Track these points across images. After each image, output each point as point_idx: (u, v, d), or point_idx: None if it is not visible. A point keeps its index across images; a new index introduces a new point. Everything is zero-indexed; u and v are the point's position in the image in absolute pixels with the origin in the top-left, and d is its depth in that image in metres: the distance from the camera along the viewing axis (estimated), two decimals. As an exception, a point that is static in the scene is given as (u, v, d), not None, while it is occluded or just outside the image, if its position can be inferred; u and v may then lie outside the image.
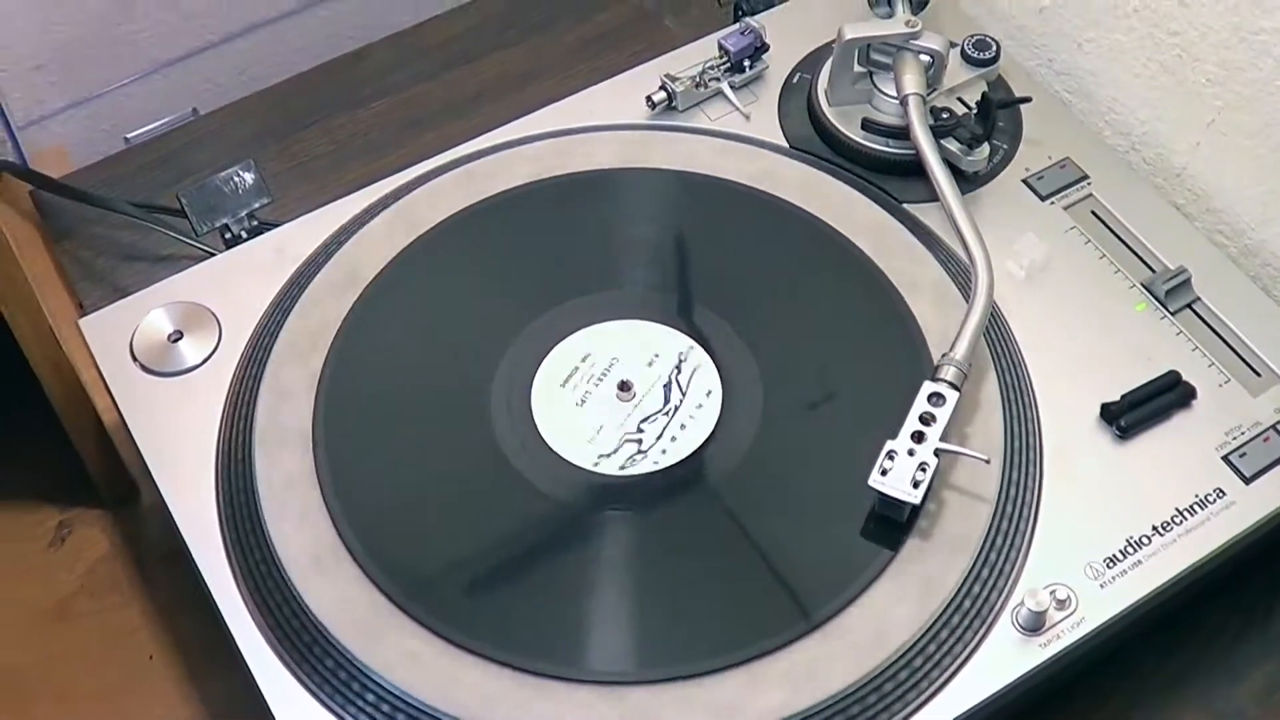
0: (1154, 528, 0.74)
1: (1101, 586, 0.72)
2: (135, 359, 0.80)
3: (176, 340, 0.80)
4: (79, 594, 0.85)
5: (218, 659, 0.82)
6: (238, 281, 0.82)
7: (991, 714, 0.71)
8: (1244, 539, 0.74)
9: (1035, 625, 0.71)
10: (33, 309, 0.75)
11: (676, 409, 0.77)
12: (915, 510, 0.73)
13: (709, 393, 0.77)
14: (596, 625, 0.71)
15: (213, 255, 0.85)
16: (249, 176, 0.84)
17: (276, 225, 0.85)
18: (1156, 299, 0.81)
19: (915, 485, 0.71)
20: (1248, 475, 0.75)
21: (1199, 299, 0.81)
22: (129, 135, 1.02)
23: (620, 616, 0.71)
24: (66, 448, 0.88)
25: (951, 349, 0.75)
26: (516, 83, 1.02)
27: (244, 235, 0.84)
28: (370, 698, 0.68)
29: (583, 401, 0.77)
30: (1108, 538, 0.73)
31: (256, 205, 0.84)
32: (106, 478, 0.86)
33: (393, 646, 0.69)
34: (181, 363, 0.79)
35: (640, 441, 0.76)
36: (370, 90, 1.01)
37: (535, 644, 0.69)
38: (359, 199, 0.84)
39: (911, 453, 0.72)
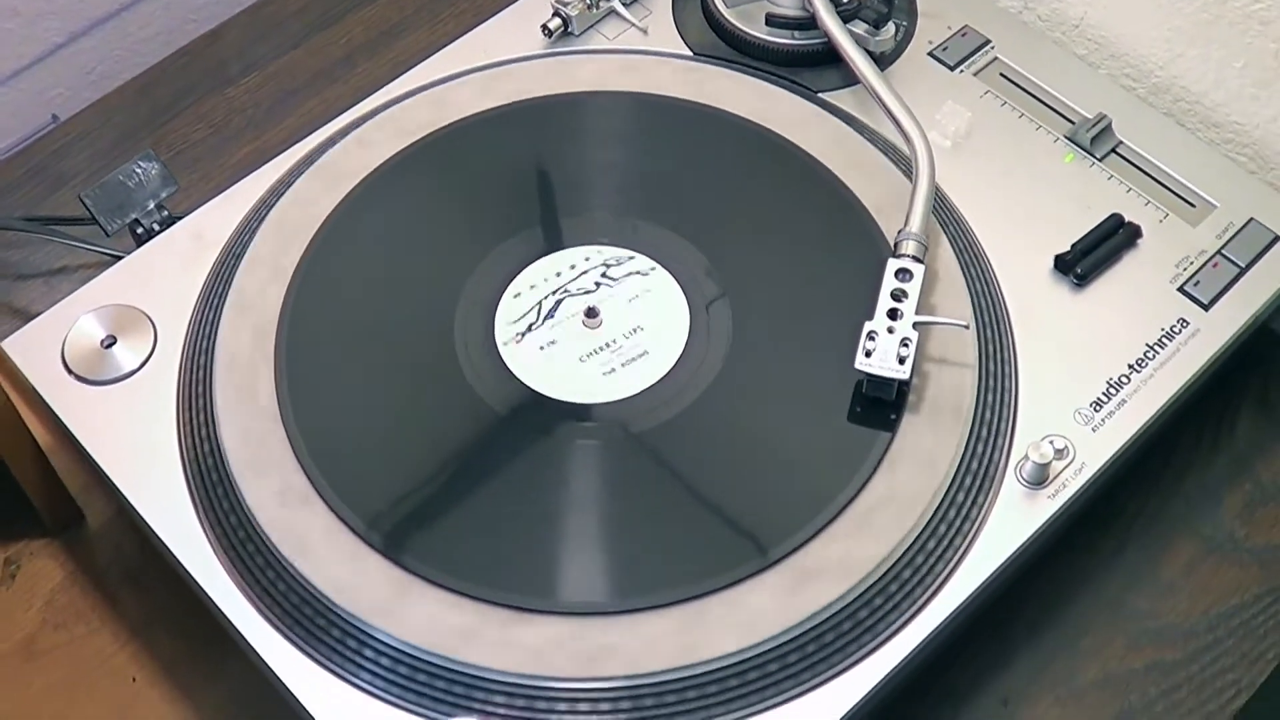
0: (1129, 366, 0.75)
1: (1094, 430, 0.73)
2: (71, 372, 0.76)
3: (110, 345, 0.76)
4: (43, 629, 0.81)
5: (203, 668, 0.79)
6: (161, 275, 0.78)
7: (1010, 575, 0.72)
8: (1215, 362, 0.76)
9: (1040, 478, 0.72)
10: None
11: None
12: (903, 388, 0.73)
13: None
14: (580, 553, 0.70)
15: (119, 258, 0.81)
16: (151, 166, 0.80)
17: (184, 216, 0.81)
18: (1082, 148, 0.82)
19: (901, 361, 0.71)
20: (1205, 302, 0.77)
21: (1122, 142, 0.82)
22: (-11, 153, 0.97)
23: (613, 541, 0.70)
24: (-4, 483, 0.84)
25: (906, 224, 0.75)
26: (386, 39, 0.99)
27: (156, 228, 0.80)
28: (369, 653, 0.67)
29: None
30: (1089, 383, 0.75)
31: (165, 194, 0.80)
32: (49, 505, 0.82)
33: (372, 588, 0.68)
34: (120, 368, 0.76)
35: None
36: (236, 68, 0.98)
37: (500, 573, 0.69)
38: (270, 170, 0.81)
39: (891, 330, 0.72)
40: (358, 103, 0.84)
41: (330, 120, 0.84)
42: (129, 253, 0.80)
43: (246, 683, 0.78)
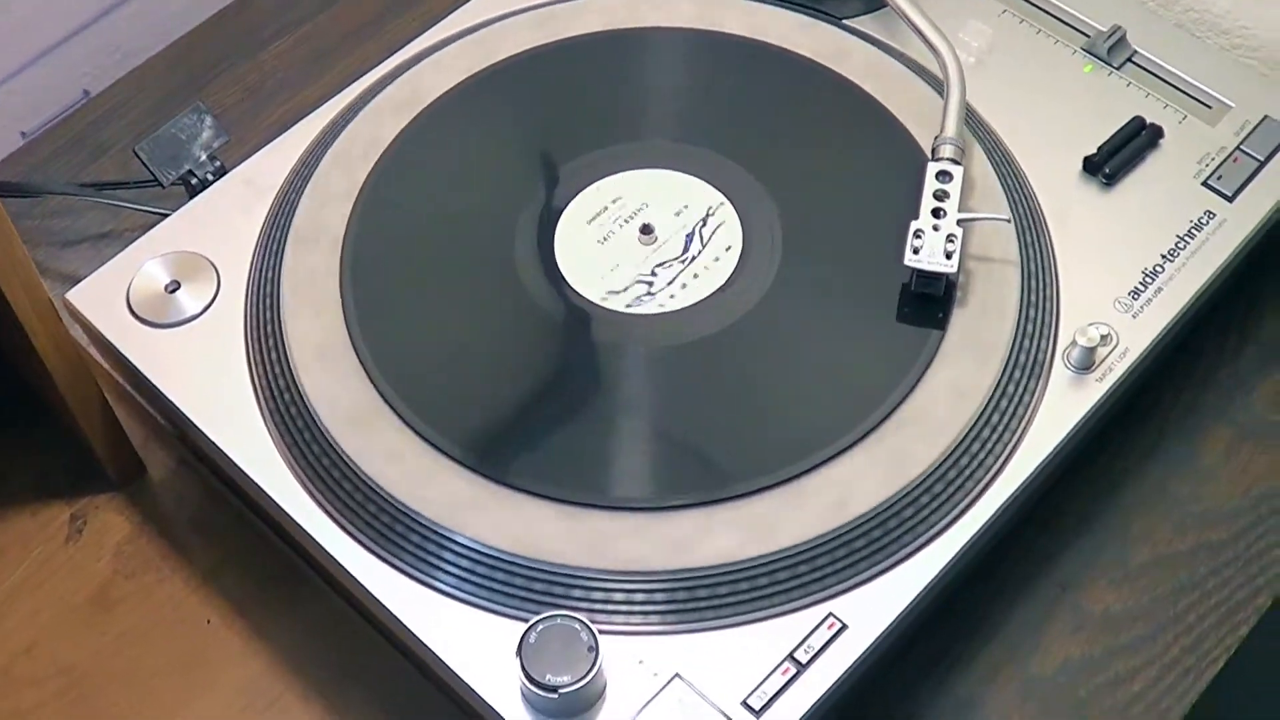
0: (1162, 256, 0.78)
1: (1134, 317, 0.76)
2: (137, 317, 0.77)
3: (174, 290, 0.78)
4: (114, 579, 0.82)
5: (275, 606, 0.81)
6: (218, 221, 0.80)
7: (1062, 460, 0.74)
8: (1242, 250, 0.79)
9: (1087, 363, 0.74)
10: (32, 283, 0.72)
11: (694, 259, 0.78)
12: (949, 286, 0.75)
13: (728, 248, 0.78)
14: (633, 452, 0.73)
15: (166, 216, 0.83)
16: (202, 118, 0.82)
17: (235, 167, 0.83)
18: (1100, 58, 0.85)
19: (948, 256, 0.74)
20: (1229, 194, 0.80)
21: (1137, 51, 0.85)
22: (25, 130, 0.98)
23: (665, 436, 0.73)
24: (56, 442, 0.85)
25: (942, 129, 0.78)
26: (413, -3, 1.01)
27: (209, 178, 0.82)
28: (450, 557, 0.70)
29: (605, 239, 0.78)
30: (1125, 274, 0.77)
31: (216, 145, 0.82)
32: (115, 458, 0.83)
33: (449, 494, 0.71)
34: (185, 311, 0.77)
35: (651, 284, 0.77)
36: (268, 32, 1.00)
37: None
38: (318, 118, 0.83)
39: (936, 228, 0.75)
40: (381, 63, 0.86)
41: (368, 72, 0.86)
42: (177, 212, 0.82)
43: (319, 617, 0.80)
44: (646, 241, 0.78)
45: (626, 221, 0.79)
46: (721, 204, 0.79)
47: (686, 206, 0.79)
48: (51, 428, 0.85)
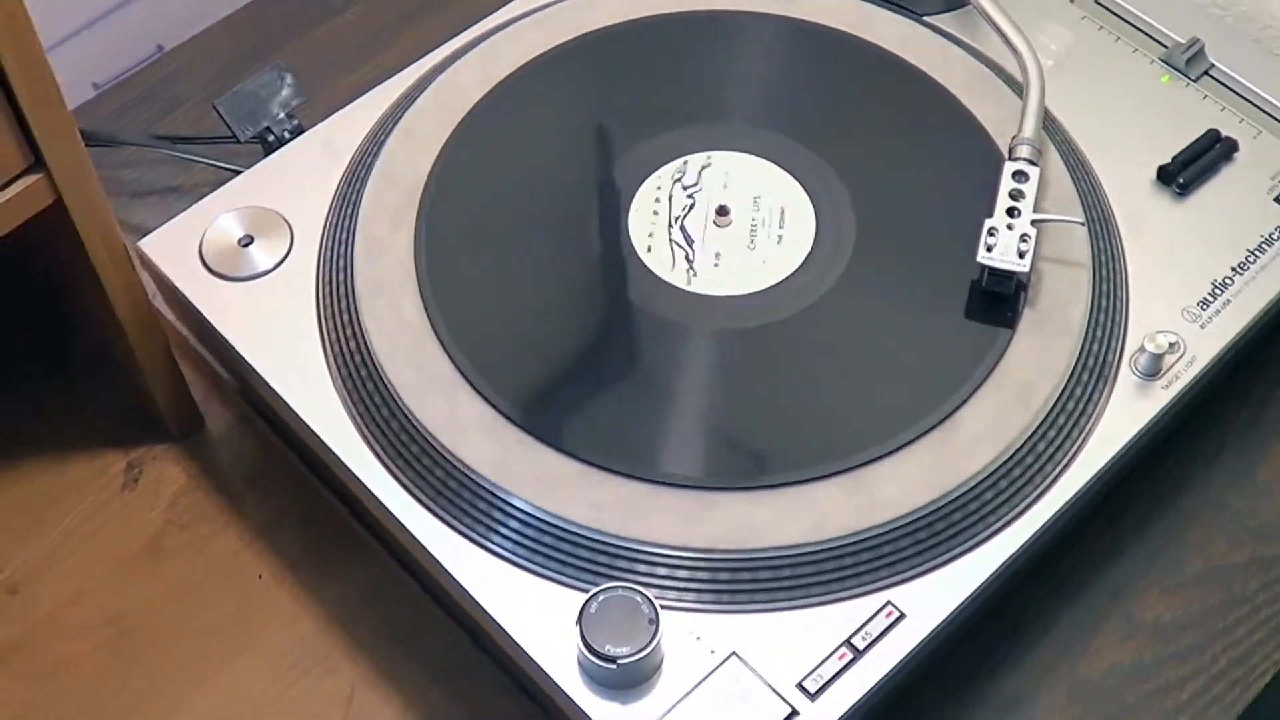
0: (1232, 269, 0.78)
1: (1201, 327, 0.76)
2: (209, 269, 0.78)
3: (247, 245, 0.78)
4: (168, 530, 0.83)
5: (327, 566, 0.81)
6: (294, 180, 0.81)
7: (1123, 466, 0.74)
8: (1312, 268, 0.79)
9: (1154, 370, 0.74)
10: (109, 228, 0.73)
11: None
12: (1021, 286, 0.76)
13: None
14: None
15: (238, 173, 0.83)
16: (282, 76, 0.82)
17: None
18: (1178, 70, 0.85)
19: (1021, 255, 0.74)
20: (1303, 212, 0.80)
21: (1214, 65, 0.86)
22: (97, 81, 0.99)
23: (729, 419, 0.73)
24: (114, 391, 0.86)
25: (1020, 130, 0.78)
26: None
27: (286, 136, 0.83)
28: (514, 524, 0.70)
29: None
30: (1194, 284, 0.78)
31: (295, 104, 0.83)
32: (175, 409, 0.84)
33: (517, 464, 0.71)
34: (257, 266, 0.78)
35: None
36: (340, 0, 1.00)
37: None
38: (396, 84, 0.84)
39: (1010, 227, 0.75)
40: (468, 28, 0.87)
41: (444, 43, 0.86)
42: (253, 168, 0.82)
43: (371, 579, 0.81)
44: (722, 223, 0.78)
45: (702, 202, 0.79)
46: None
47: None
48: (107, 377, 0.86)
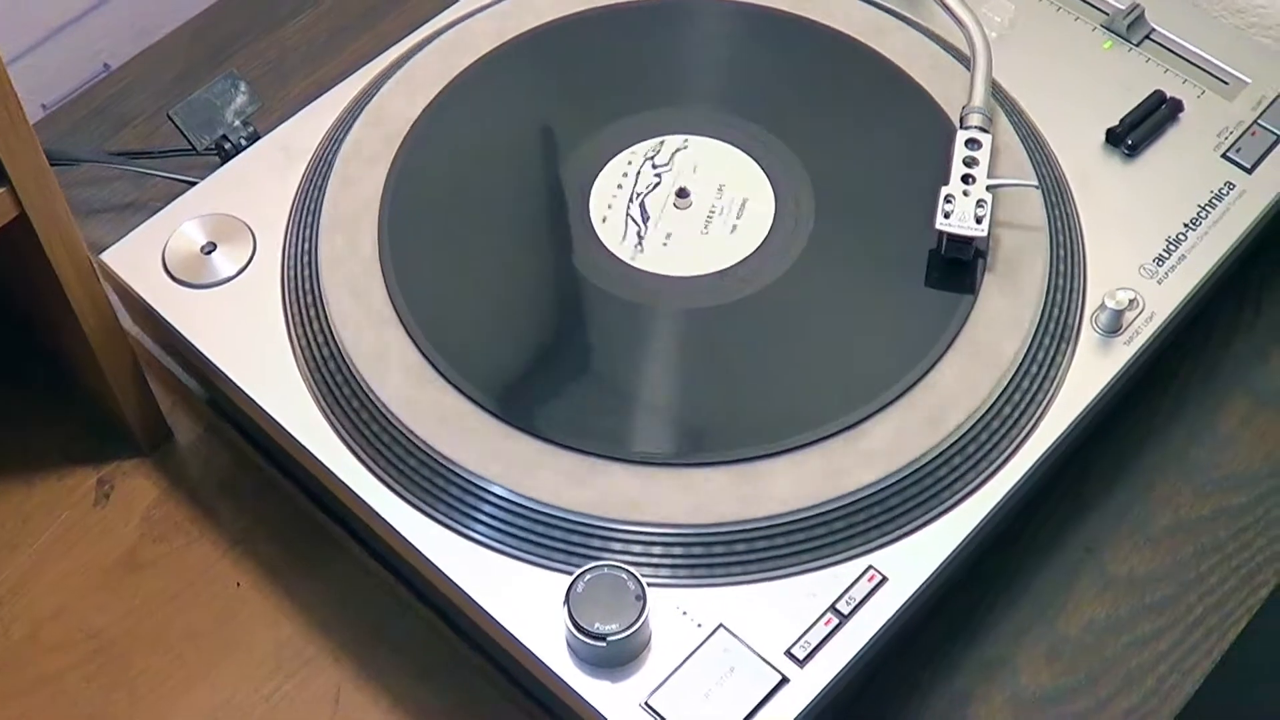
0: (1185, 225, 0.80)
1: (1159, 283, 0.78)
2: (173, 277, 0.78)
3: (210, 252, 0.78)
4: (143, 542, 0.82)
5: (305, 569, 0.81)
6: (253, 185, 0.81)
7: (1090, 422, 0.76)
8: (1262, 219, 0.81)
9: (1115, 326, 0.76)
10: (73, 242, 0.73)
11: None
12: (979, 253, 0.77)
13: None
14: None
15: (194, 184, 0.83)
16: (236, 84, 0.83)
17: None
18: (1120, 35, 0.87)
19: (978, 220, 0.75)
20: (1249, 166, 0.82)
21: (1155, 29, 0.87)
22: (45, 103, 0.98)
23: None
24: (78, 408, 0.86)
25: (970, 99, 0.79)
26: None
27: (243, 143, 0.83)
28: (489, 509, 0.71)
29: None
30: (1149, 241, 0.79)
31: (250, 111, 0.83)
32: (143, 423, 0.84)
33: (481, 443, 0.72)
34: (221, 272, 0.78)
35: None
36: (286, 9, 1.00)
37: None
38: (357, 79, 0.84)
39: (966, 194, 0.76)
40: (402, 39, 0.87)
41: (395, 44, 0.87)
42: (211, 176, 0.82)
43: (350, 578, 0.81)
44: (681, 205, 0.79)
45: (668, 182, 0.80)
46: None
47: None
48: (71, 393, 0.86)
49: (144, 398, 0.83)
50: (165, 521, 0.83)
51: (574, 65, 0.85)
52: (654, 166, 0.80)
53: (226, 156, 0.83)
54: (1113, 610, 0.78)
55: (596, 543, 0.69)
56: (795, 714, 0.66)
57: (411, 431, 0.71)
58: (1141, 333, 0.76)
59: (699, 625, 0.68)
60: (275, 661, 0.79)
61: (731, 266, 0.77)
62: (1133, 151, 0.82)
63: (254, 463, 0.84)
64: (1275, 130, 0.83)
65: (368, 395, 0.72)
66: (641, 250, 0.78)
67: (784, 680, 0.66)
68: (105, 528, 0.83)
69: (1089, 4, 0.88)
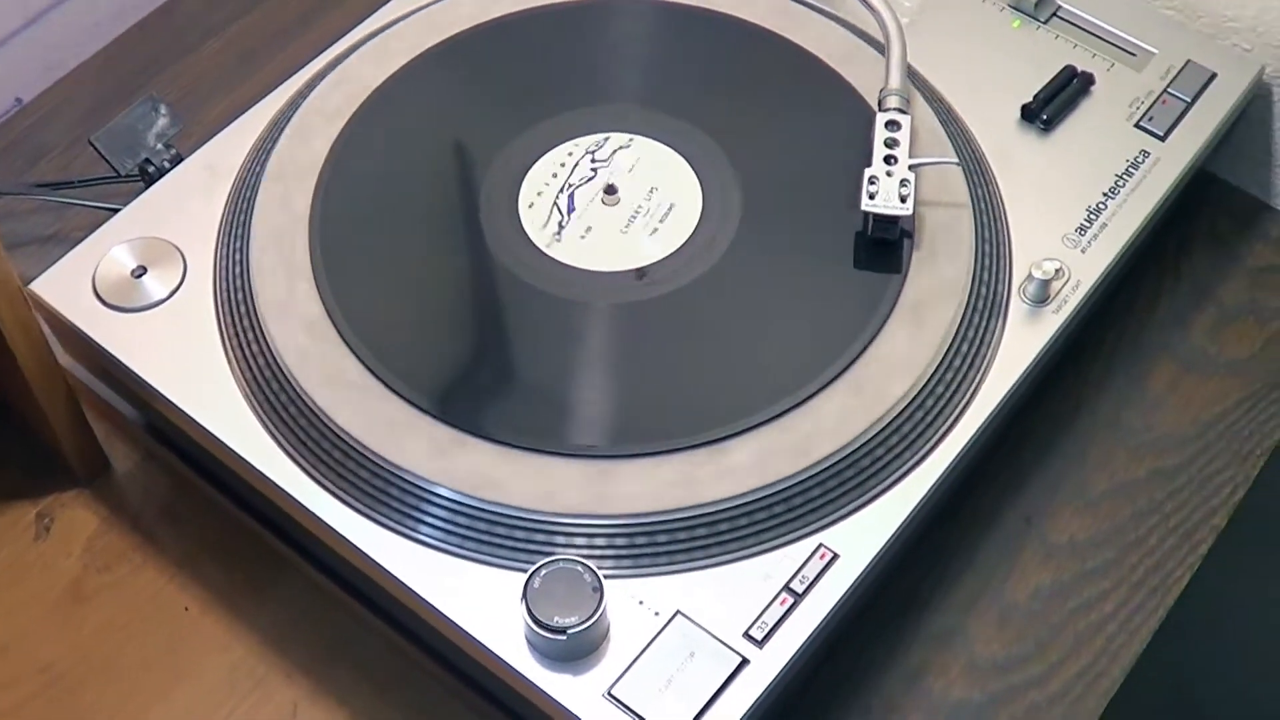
0: (1104, 194, 0.81)
1: (1082, 252, 0.79)
2: (105, 303, 0.77)
3: (140, 275, 0.78)
4: (87, 573, 0.82)
5: (254, 590, 0.81)
6: (179, 207, 0.80)
7: (1024, 391, 0.77)
8: (1178, 185, 0.83)
9: (1042, 296, 0.77)
10: (2, 272, 0.72)
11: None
12: (905, 233, 0.78)
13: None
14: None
15: (116, 211, 0.83)
16: (156, 106, 0.82)
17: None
18: (1027, 14, 0.89)
19: (903, 199, 0.77)
20: (1161, 134, 0.84)
21: (1061, 6, 0.89)
22: (-43, 139, 0.97)
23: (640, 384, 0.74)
24: (10, 441, 0.85)
25: (887, 82, 0.81)
26: (337, -6, 1.02)
27: (166, 165, 0.82)
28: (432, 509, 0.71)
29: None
30: (1070, 212, 0.81)
31: (172, 133, 0.82)
32: (80, 454, 0.83)
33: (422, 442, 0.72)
34: (153, 295, 0.77)
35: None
36: (195, 36, 1.00)
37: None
38: (278, 95, 0.84)
39: (889, 174, 0.77)
40: (319, 55, 0.87)
41: (303, 66, 0.87)
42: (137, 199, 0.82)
43: (299, 596, 0.80)
44: (609, 202, 0.79)
45: (602, 177, 0.80)
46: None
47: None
48: (4, 428, 0.85)
49: (80, 428, 0.82)
50: (108, 551, 0.82)
51: (513, 63, 0.86)
52: (593, 161, 0.81)
53: (151, 180, 0.82)
54: (1057, 576, 0.79)
55: (547, 538, 0.70)
56: (757, 694, 0.66)
57: (355, 439, 0.71)
58: (1069, 301, 0.77)
59: (656, 614, 0.68)
60: (229, 684, 0.78)
61: (646, 266, 0.78)
62: (1048, 126, 0.83)
63: (195, 486, 0.83)
64: (1184, 98, 0.85)
65: (309, 407, 0.72)
66: (559, 240, 0.78)
67: (744, 662, 0.67)
68: (48, 561, 0.82)
69: (994, -16, 0.90)
